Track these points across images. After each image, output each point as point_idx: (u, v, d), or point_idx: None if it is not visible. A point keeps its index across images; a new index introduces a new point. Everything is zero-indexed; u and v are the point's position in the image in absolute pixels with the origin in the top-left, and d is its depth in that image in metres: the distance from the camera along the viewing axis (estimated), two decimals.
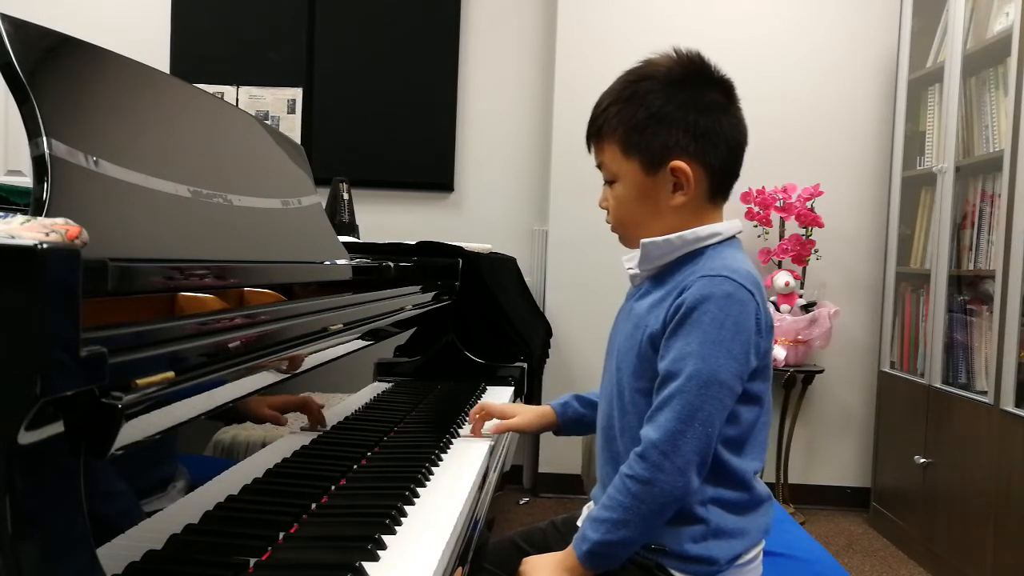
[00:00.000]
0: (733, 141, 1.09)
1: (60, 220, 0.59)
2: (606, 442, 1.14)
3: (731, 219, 1.12)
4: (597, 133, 1.12)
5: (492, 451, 1.33)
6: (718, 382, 0.98)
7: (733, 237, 1.11)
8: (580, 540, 1.02)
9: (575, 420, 1.35)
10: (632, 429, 1.06)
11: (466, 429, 1.44)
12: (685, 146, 1.06)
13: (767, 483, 1.11)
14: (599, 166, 1.14)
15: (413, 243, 2.12)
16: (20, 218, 0.59)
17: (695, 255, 1.08)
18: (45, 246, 0.49)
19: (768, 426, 1.11)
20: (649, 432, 1.00)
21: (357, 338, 1.24)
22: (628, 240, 1.15)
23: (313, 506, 0.94)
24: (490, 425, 1.40)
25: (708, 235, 1.08)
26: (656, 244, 1.09)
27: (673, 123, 1.06)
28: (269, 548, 0.80)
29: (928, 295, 2.79)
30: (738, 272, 1.02)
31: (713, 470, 1.02)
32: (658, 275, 1.11)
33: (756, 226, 3.13)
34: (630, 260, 1.15)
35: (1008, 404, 2.25)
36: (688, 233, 1.08)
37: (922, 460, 2.72)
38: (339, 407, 1.22)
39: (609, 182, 1.13)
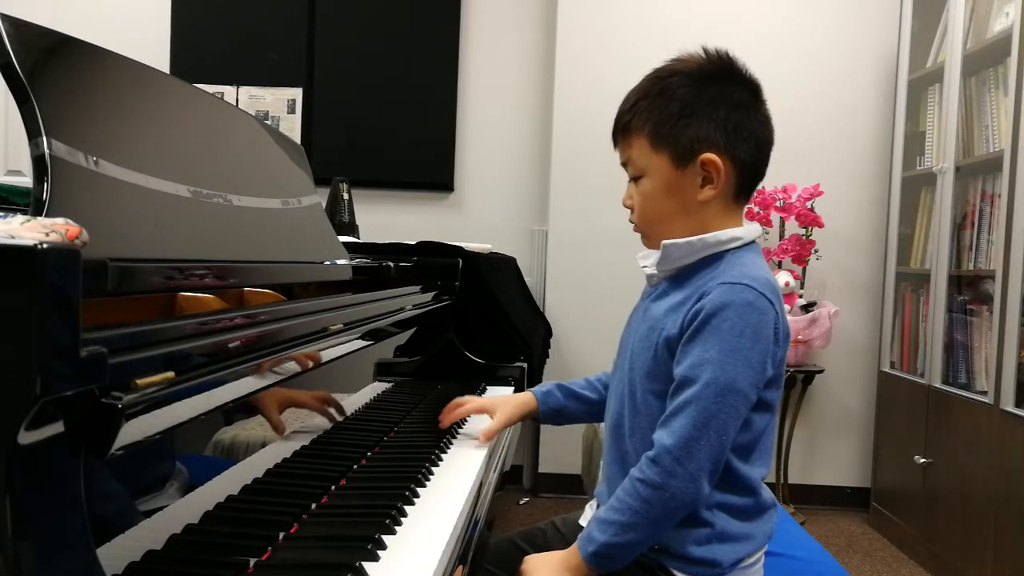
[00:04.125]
0: (761, 138, 1.10)
1: (60, 220, 0.59)
2: (614, 441, 1.14)
3: (750, 223, 1.12)
4: (625, 129, 1.11)
5: (492, 451, 1.33)
6: (735, 390, 0.98)
7: (753, 242, 1.11)
8: (586, 540, 1.02)
9: (555, 410, 1.35)
10: (643, 430, 1.06)
11: (466, 429, 1.44)
12: (715, 139, 1.06)
13: (767, 483, 1.11)
14: (624, 164, 1.13)
15: (413, 243, 2.12)
16: (20, 218, 0.59)
17: (715, 259, 1.07)
18: (45, 246, 0.49)
19: (774, 431, 1.11)
20: (663, 437, 0.99)
21: (357, 338, 1.24)
22: (651, 239, 1.13)
23: (313, 506, 0.94)
24: (478, 433, 1.36)
25: (729, 239, 1.07)
26: (677, 246, 1.08)
27: (704, 116, 1.06)
28: (269, 548, 0.80)
29: (928, 295, 2.79)
30: (758, 280, 1.02)
31: (722, 476, 1.02)
32: (676, 277, 1.10)
33: None
34: (645, 259, 1.15)
35: (1008, 404, 2.25)
36: (709, 236, 1.07)
37: (922, 460, 2.72)
38: None
39: (635, 178, 1.12)
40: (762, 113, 1.11)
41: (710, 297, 1.01)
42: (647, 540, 1.01)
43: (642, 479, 0.99)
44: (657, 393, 1.06)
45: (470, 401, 1.41)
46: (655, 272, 1.13)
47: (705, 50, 1.10)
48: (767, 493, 1.09)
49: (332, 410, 1.16)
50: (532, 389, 1.38)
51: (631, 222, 1.15)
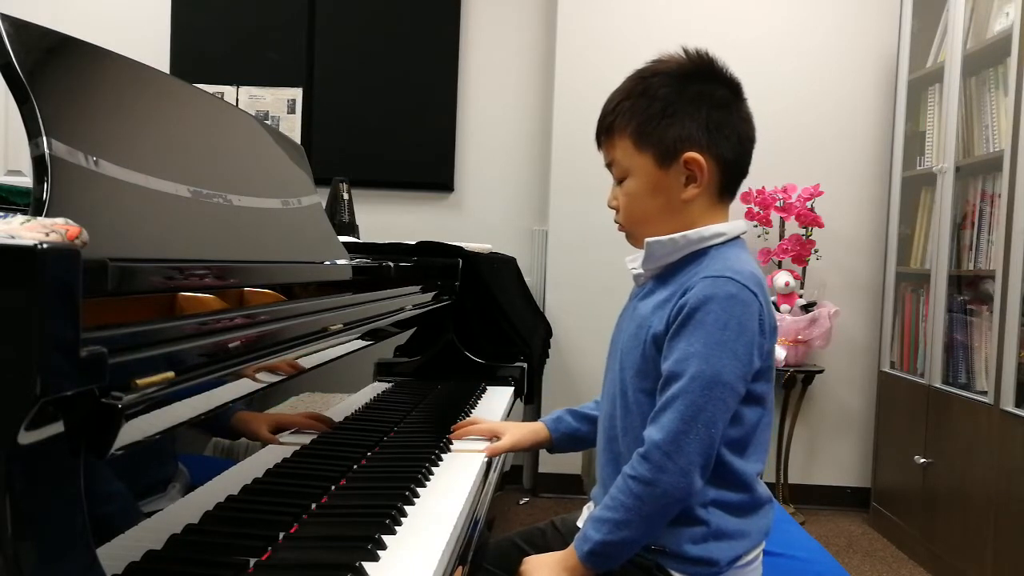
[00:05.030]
0: (744, 135, 1.10)
1: (60, 220, 0.59)
2: (607, 442, 1.14)
3: (735, 219, 1.13)
4: (608, 130, 1.12)
5: None
6: (721, 383, 0.98)
7: (737, 237, 1.11)
8: (582, 540, 1.02)
9: (569, 435, 1.33)
10: (635, 429, 1.06)
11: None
12: (698, 138, 1.07)
13: (767, 483, 1.11)
14: (608, 165, 1.14)
15: (413, 243, 2.12)
16: (20, 218, 0.59)
17: (699, 255, 1.08)
18: (45, 246, 0.49)
19: (770, 427, 1.10)
20: (652, 433, 1.00)
21: (357, 338, 1.24)
22: (636, 239, 1.14)
23: (313, 506, 0.94)
24: (481, 445, 1.35)
25: (712, 235, 1.08)
26: (661, 243, 1.09)
27: (686, 115, 1.07)
28: (269, 548, 0.80)
29: (928, 295, 2.79)
30: (741, 273, 1.02)
31: (715, 471, 1.02)
32: (662, 275, 1.11)
33: (756, 226, 3.13)
34: (633, 260, 1.15)
35: (1008, 404, 2.25)
36: (692, 233, 1.07)
37: (922, 460, 2.72)
38: (339, 407, 1.22)
39: (620, 179, 1.13)
40: (744, 111, 1.11)
41: (693, 292, 1.02)
42: (642, 537, 1.01)
43: (634, 476, 0.99)
44: (648, 391, 1.06)
45: (482, 422, 1.39)
46: (641, 272, 1.13)
47: (685, 50, 1.11)
48: (762, 488, 1.10)
49: (322, 424, 1.14)
50: (542, 419, 1.36)
51: (616, 223, 1.16)
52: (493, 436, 1.35)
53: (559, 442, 1.34)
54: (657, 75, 1.09)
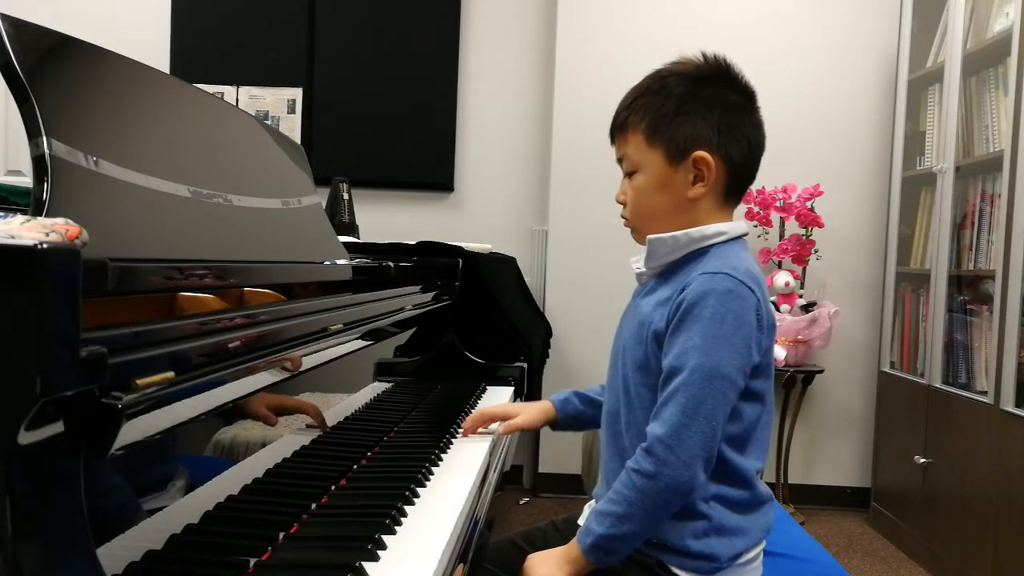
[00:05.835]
0: (753, 140, 1.12)
1: (60, 220, 0.59)
2: (612, 438, 1.15)
3: (737, 220, 1.14)
4: (622, 125, 1.15)
5: (492, 451, 1.33)
6: (721, 375, 1.00)
7: (739, 237, 1.13)
8: (584, 533, 1.03)
9: (573, 417, 1.37)
10: (638, 424, 1.08)
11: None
12: (708, 138, 1.09)
13: (767, 483, 1.12)
14: (620, 160, 1.16)
15: (413, 243, 2.12)
16: (20, 218, 0.59)
17: (700, 254, 1.10)
18: (45, 246, 0.49)
19: (770, 425, 1.12)
20: (655, 427, 1.01)
21: (357, 338, 1.24)
22: (640, 235, 1.16)
23: (313, 506, 0.94)
24: (496, 427, 1.40)
25: (714, 234, 1.10)
26: (663, 241, 1.11)
27: (698, 116, 1.09)
28: (269, 548, 0.80)
29: (928, 295, 2.79)
30: (738, 269, 1.04)
31: (716, 467, 1.03)
32: (664, 273, 1.13)
33: (756, 226, 3.13)
34: (637, 261, 1.17)
35: (1008, 404, 2.25)
36: (695, 231, 1.09)
37: (922, 460, 2.72)
38: (339, 407, 1.22)
39: (629, 174, 1.15)
40: (755, 118, 1.14)
41: (691, 288, 1.04)
42: (644, 531, 1.02)
43: (637, 469, 1.00)
44: (650, 387, 1.08)
45: (494, 409, 1.42)
46: (644, 270, 1.15)
47: (704, 54, 1.14)
48: (763, 487, 1.11)
49: (316, 419, 1.14)
50: (550, 397, 1.39)
51: (623, 217, 1.18)
52: (505, 418, 1.39)
53: (564, 422, 1.38)
54: (674, 75, 1.12)
